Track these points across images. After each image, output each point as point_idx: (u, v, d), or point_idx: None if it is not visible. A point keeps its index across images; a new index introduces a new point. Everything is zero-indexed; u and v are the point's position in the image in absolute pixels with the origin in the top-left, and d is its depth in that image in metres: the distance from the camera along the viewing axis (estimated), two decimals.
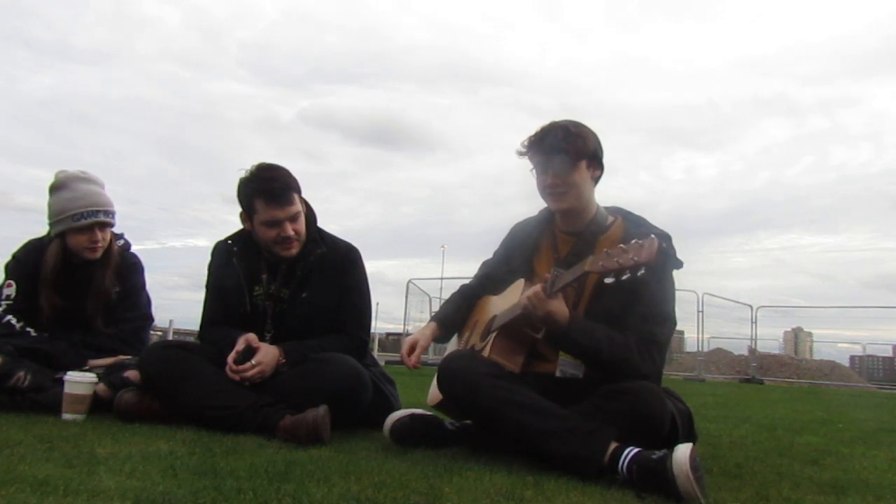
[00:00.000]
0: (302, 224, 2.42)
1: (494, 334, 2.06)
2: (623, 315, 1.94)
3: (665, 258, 1.93)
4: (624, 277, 1.67)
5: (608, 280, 1.69)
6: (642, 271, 1.65)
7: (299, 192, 2.43)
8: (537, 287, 1.87)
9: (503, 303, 2.14)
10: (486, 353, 2.03)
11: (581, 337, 1.88)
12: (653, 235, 1.65)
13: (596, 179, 2.12)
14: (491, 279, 2.30)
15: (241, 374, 2.22)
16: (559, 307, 1.87)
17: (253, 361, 2.23)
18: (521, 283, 2.11)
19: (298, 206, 2.40)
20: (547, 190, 2.08)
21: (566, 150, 2.01)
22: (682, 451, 1.53)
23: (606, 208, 2.17)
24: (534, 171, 2.12)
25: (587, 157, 2.06)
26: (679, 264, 2.01)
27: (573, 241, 2.12)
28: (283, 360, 2.30)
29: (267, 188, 2.34)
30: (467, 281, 2.44)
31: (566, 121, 2.09)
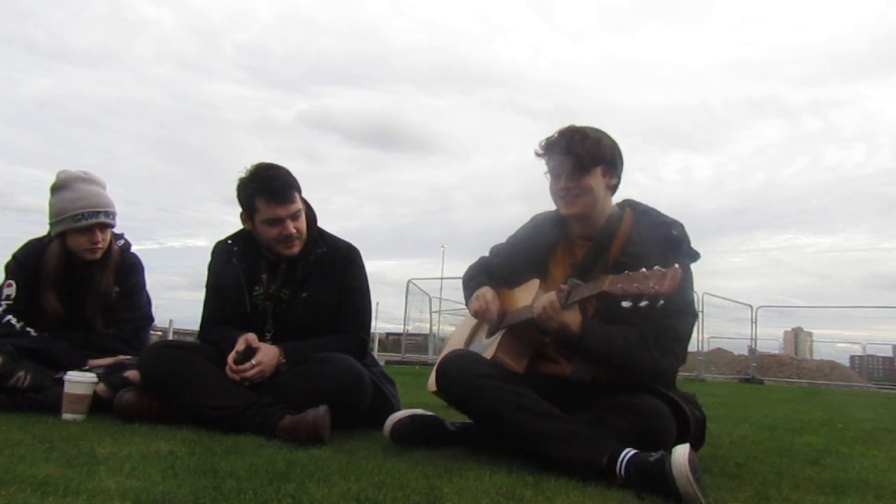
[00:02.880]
0: (303, 222, 2.42)
1: (503, 332, 2.06)
2: (638, 312, 1.87)
3: (679, 250, 1.91)
4: (641, 304, 1.64)
5: (626, 304, 1.65)
6: (661, 302, 1.61)
7: (299, 190, 2.43)
8: (553, 296, 1.83)
9: (516, 299, 2.12)
10: (492, 350, 2.02)
11: (595, 343, 1.85)
12: (676, 265, 1.60)
13: (612, 188, 2.08)
14: (504, 269, 2.24)
15: (242, 374, 2.22)
16: (573, 317, 1.85)
17: (253, 361, 2.23)
18: (535, 283, 2.08)
19: (299, 204, 2.40)
20: (559, 193, 2.04)
21: (580, 154, 1.97)
22: (681, 453, 1.52)
23: (616, 204, 2.13)
24: (548, 174, 2.08)
25: (602, 162, 2.00)
26: (695, 256, 1.98)
27: (588, 244, 2.08)
28: (284, 360, 2.30)
29: (268, 187, 2.34)
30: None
31: (586, 126, 2.05)
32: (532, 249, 2.18)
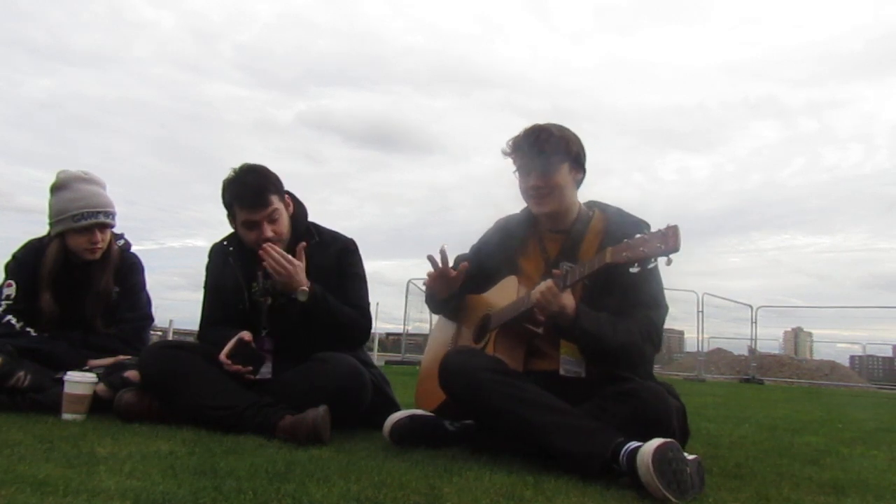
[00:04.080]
0: (282, 224, 2.41)
1: (494, 333, 2.06)
2: (618, 304, 1.96)
3: None
4: (650, 266, 1.69)
5: (633, 269, 1.70)
6: (671, 258, 1.65)
7: (279, 192, 2.42)
8: (549, 282, 1.87)
9: (495, 301, 2.13)
10: (488, 352, 2.02)
11: (589, 325, 1.89)
12: (675, 224, 1.65)
13: (578, 182, 2.15)
14: (475, 276, 2.26)
15: (285, 259, 2.26)
16: (569, 300, 1.89)
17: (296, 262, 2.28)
18: (512, 279, 2.10)
19: (276, 206, 2.39)
20: (529, 192, 2.10)
21: (549, 152, 2.03)
22: (650, 444, 1.53)
23: (585, 204, 2.19)
24: (517, 172, 2.13)
25: (570, 159, 2.08)
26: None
27: (561, 239, 2.14)
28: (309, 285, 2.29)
29: (241, 192, 2.37)
30: None
31: (549, 123, 2.11)
32: (504, 251, 2.22)
